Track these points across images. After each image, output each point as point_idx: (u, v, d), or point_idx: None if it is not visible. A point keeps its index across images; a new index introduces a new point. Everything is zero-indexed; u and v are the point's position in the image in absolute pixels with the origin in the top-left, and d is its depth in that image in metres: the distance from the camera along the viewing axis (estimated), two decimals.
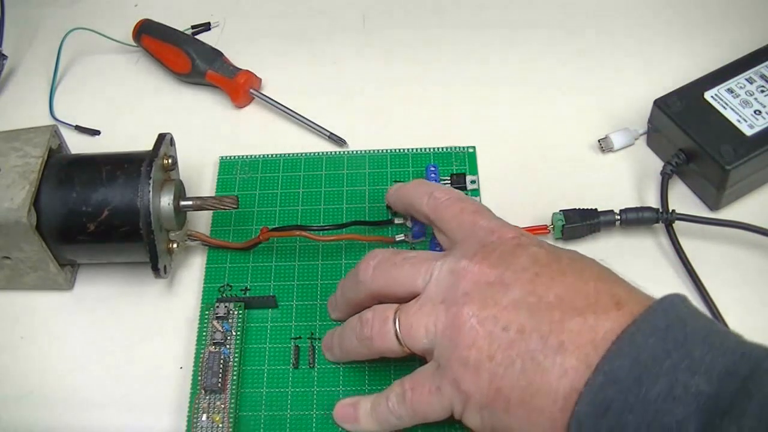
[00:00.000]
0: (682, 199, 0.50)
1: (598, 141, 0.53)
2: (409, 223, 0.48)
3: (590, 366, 0.32)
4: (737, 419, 0.29)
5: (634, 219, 0.47)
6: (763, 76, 0.50)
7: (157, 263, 0.45)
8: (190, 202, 0.47)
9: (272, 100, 0.57)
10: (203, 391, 0.43)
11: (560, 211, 0.48)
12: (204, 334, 0.45)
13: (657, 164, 0.51)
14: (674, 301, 0.34)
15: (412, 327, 0.37)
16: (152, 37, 0.60)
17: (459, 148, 0.53)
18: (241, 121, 0.57)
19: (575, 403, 0.32)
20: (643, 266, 0.47)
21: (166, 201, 0.45)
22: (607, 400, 0.31)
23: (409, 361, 0.41)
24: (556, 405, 0.33)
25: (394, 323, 0.38)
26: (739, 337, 0.32)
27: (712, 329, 0.33)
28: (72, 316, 0.48)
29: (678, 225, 0.47)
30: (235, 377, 0.43)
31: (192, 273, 0.49)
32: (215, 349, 0.44)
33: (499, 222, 0.41)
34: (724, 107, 0.49)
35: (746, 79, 0.50)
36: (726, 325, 0.43)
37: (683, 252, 0.47)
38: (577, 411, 0.32)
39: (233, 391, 0.43)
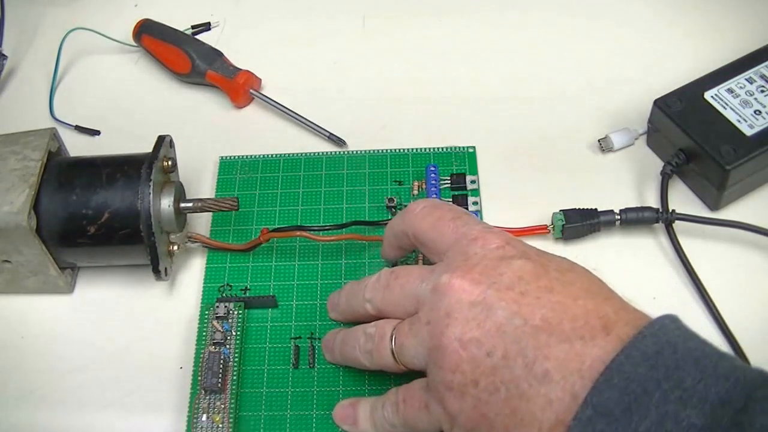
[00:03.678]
0: (682, 199, 0.50)
1: (598, 141, 0.53)
2: None
3: (576, 397, 0.31)
4: None
5: (634, 219, 0.47)
6: (763, 76, 0.50)
7: (158, 266, 0.45)
8: (190, 204, 0.47)
9: (272, 100, 0.57)
10: (203, 391, 0.43)
11: (560, 211, 0.48)
12: (204, 334, 0.45)
13: (657, 164, 0.51)
14: (664, 323, 0.32)
15: (403, 347, 0.37)
16: (152, 37, 0.60)
17: (459, 148, 0.53)
18: (241, 121, 0.57)
19: None
20: (643, 266, 0.47)
21: (167, 203, 0.45)
22: None
23: None
24: None
25: (391, 341, 0.38)
26: (732, 360, 0.31)
27: (705, 352, 0.31)
28: (72, 319, 0.48)
29: (678, 225, 0.47)
30: (235, 377, 0.43)
31: (192, 274, 0.49)
32: (215, 349, 0.44)
33: (482, 227, 0.38)
34: (724, 107, 0.49)
35: (746, 79, 0.50)
36: (726, 326, 0.44)
37: (683, 252, 0.47)
38: None
39: (233, 391, 0.43)
